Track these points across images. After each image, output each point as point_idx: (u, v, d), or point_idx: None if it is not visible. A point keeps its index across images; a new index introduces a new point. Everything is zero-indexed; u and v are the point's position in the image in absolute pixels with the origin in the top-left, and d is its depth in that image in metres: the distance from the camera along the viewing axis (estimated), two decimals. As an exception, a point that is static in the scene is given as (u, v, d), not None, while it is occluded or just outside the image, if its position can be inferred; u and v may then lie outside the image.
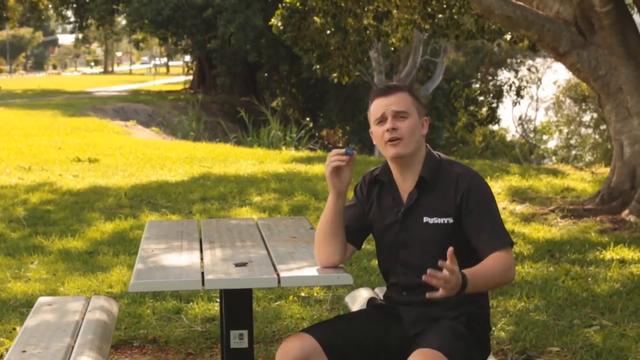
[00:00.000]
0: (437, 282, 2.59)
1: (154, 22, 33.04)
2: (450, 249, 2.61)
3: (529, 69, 38.80)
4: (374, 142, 3.07)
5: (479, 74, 34.68)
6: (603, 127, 30.25)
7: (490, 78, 30.14)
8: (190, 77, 44.25)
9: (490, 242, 2.88)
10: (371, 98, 3.07)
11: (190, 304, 5.28)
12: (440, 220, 2.94)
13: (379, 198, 3.09)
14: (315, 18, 13.16)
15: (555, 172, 11.49)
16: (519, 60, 38.50)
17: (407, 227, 3.00)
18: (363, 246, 3.29)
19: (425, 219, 2.97)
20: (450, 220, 2.93)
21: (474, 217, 2.91)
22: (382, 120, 3.00)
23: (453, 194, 2.94)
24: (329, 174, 3.02)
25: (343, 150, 3.02)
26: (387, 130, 2.97)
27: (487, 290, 2.88)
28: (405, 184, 3.03)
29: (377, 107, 3.02)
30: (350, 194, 3.20)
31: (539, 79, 39.83)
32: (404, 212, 3.00)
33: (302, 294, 5.50)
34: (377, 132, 3.01)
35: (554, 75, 37.78)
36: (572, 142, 35.37)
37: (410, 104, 3.00)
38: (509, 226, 7.75)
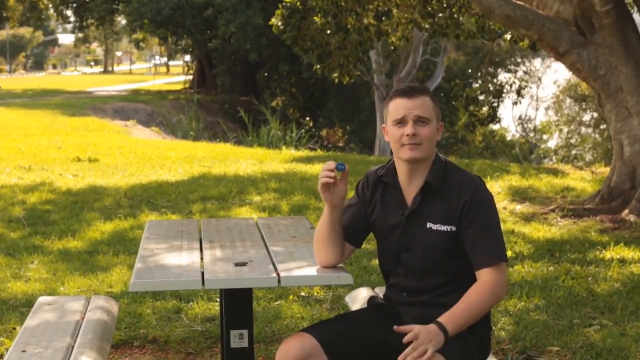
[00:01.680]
0: (414, 356, 2.70)
1: (154, 22, 33.03)
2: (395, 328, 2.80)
3: (526, 72, 38.78)
4: (387, 140, 3.03)
5: (479, 74, 34.71)
6: (603, 126, 30.25)
7: (490, 78, 30.13)
8: (190, 77, 44.24)
9: (483, 257, 2.88)
10: (392, 96, 3.01)
11: (190, 303, 5.28)
12: (443, 228, 2.93)
13: (383, 199, 3.07)
14: (316, 18, 13.16)
15: (555, 172, 11.49)
16: (517, 62, 38.49)
17: (410, 230, 2.99)
18: (363, 246, 3.29)
19: (429, 225, 2.96)
20: (453, 229, 2.93)
21: (472, 230, 2.90)
22: (402, 122, 2.95)
23: (456, 203, 2.92)
24: (320, 189, 3.00)
25: (333, 166, 2.97)
26: (407, 135, 2.93)
27: (478, 319, 2.87)
28: (410, 187, 3.01)
29: (398, 107, 2.95)
30: (350, 194, 3.19)
31: (539, 79, 39.84)
32: (408, 216, 2.99)
33: (302, 294, 5.50)
34: (395, 134, 2.96)
35: (554, 75, 37.81)
36: (572, 141, 35.38)
37: (431, 110, 2.96)
38: (509, 226, 7.75)
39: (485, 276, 2.87)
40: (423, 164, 2.98)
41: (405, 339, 2.72)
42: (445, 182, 2.96)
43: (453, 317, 2.79)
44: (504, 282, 2.88)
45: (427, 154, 2.96)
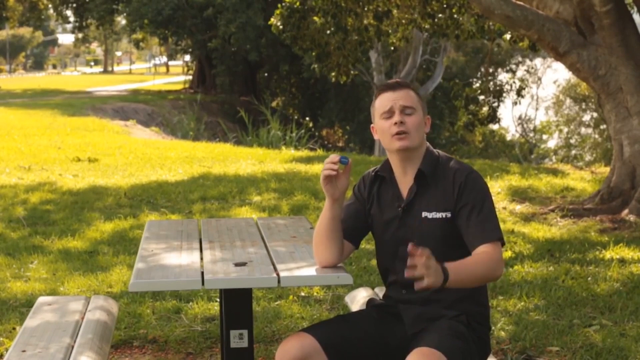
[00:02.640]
0: (418, 271, 2.56)
1: (154, 22, 33.02)
2: (410, 245, 2.58)
3: (527, 71, 38.81)
4: (377, 137, 3.08)
5: (479, 74, 34.73)
6: (603, 126, 30.26)
7: (490, 78, 30.16)
8: (190, 77, 44.24)
9: (478, 235, 2.88)
10: (377, 93, 3.08)
11: (190, 303, 5.28)
12: (439, 215, 2.96)
13: (379, 194, 3.10)
14: (315, 18, 13.17)
15: (555, 172, 11.49)
16: (517, 62, 38.52)
17: (406, 222, 3.01)
18: (363, 246, 3.30)
19: (424, 214, 2.98)
20: (449, 215, 2.95)
21: (466, 210, 2.92)
22: (389, 113, 3.01)
23: (451, 189, 2.96)
24: (322, 181, 3.02)
25: (337, 159, 3.00)
26: (395, 123, 2.98)
27: (473, 285, 2.86)
28: (405, 179, 3.05)
29: (384, 101, 3.02)
30: (349, 194, 3.19)
31: (539, 79, 39.87)
32: (404, 207, 3.01)
33: (302, 294, 5.50)
34: (383, 126, 3.02)
35: (554, 75, 37.85)
36: (572, 141, 35.40)
37: (416, 101, 3.03)
38: (508, 226, 7.75)
39: (482, 249, 2.87)
40: (415, 155, 3.02)
41: (416, 268, 2.58)
42: (439, 170, 3.01)
43: (457, 268, 2.72)
44: (500, 259, 2.87)
45: (416, 143, 3.00)
